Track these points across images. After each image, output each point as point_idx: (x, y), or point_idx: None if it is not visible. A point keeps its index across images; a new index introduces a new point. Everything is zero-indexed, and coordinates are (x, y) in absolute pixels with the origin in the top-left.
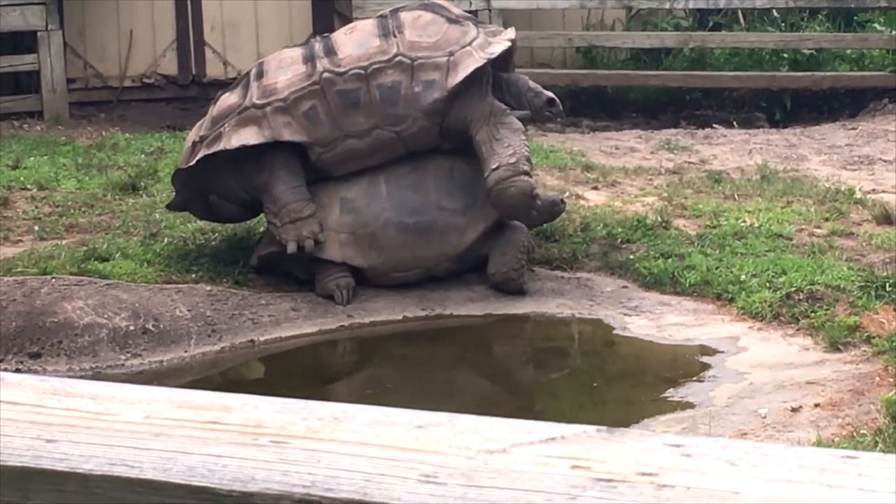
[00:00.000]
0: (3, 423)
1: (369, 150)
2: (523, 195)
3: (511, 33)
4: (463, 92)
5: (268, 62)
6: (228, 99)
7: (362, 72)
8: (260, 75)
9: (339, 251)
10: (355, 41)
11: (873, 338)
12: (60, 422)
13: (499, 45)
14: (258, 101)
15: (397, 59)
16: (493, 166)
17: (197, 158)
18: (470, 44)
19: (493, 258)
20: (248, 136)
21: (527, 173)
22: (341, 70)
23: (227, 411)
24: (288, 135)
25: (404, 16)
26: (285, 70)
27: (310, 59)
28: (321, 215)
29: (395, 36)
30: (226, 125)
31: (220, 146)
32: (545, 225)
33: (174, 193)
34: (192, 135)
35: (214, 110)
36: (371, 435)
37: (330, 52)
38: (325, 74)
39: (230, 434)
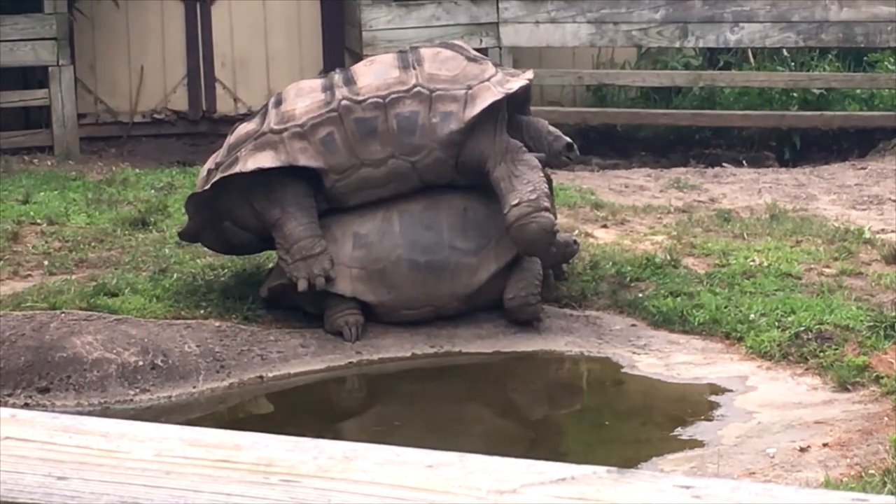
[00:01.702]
0: (15, 459)
1: (384, 180)
2: (544, 231)
3: (530, 74)
4: (479, 126)
5: (287, 91)
6: (246, 127)
7: (380, 101)
8: (278, 103)
9: (349, 286)
10: (374, 72)
11: (882, 378)
12: (71, 459)
13: (517, 82)
14: (275, 127)
15: (416, 89)
16: (514, 202)
17: (212, 182)
18: (488, 79)
19: (511, 285)
20: (264, 160)
21: (547, 209)
22: (360, 98)
23: (238, 450)
24: (304, 160)
25: (424, 51)
26: (304, 98)
27: (328, 88)
28: (333, 249)
29: (414, 68)
30: (242, 150)
31: (236, 169)
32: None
33: (187, 220)
34: (209, 163)
35: (231, 138)
36: (381, 474)
37: (349, 81)
38: (344, 102)
39: (241, 472)
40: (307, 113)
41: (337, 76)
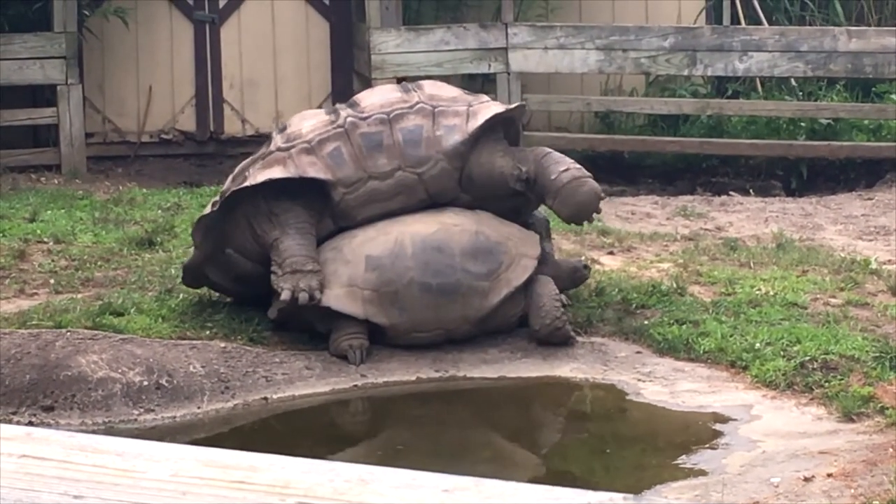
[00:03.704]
0: (32, 478)
1: (391, 192)
2: (594, 194)
3: (522, 102)
4: (483, 140)
5: (290, 119)
6: (248, 158)
7: (385, 116)
8: (283, 129)
9: (361, 308)
10: (377, 94)
11: (887, 409)
12: (87, 478)
13: (514, 104)
14: (282, 145)
15: (418, 105)
16: (562, 169)
17: (224, 197)
18: (486, 101)
19: (533, 315)
20: (274, 173)
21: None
22: (364, 115)
23: (255, 471)
24: (313, 172)
25: (422, 81)
26: (308, 120)
27: (332, 111)
28: (345, 271)
29: (415, 91)
30: (250, 169)
31: (246, 184)
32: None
33: (193, 250)
34: (212, 200)
35: (235, 171)
36: (397, 497)
37: (352, 104)
38: (349, 119)
39: (257, 494)
40: (313, 130)
41: (339, 105)
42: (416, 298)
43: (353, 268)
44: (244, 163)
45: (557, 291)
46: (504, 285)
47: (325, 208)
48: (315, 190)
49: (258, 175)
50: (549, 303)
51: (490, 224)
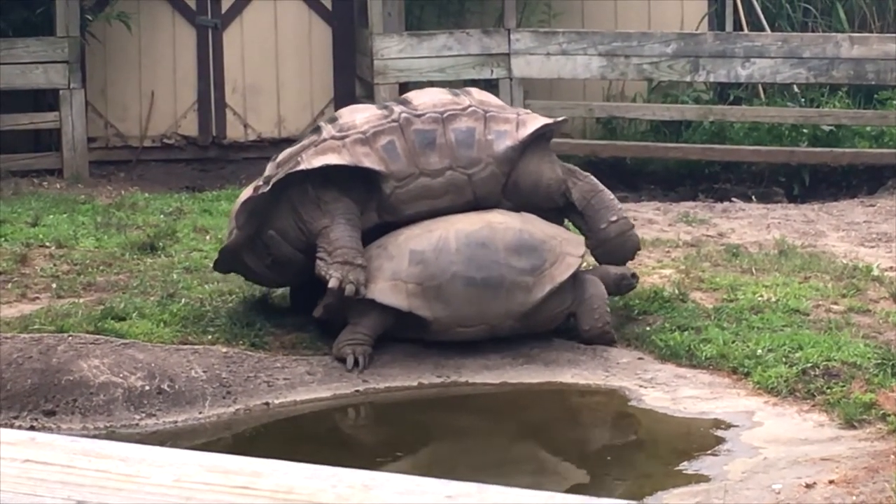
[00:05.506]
0: (35, 482)
1: (441, 191)
2: (636, 248)
3: (561, 117)
4: (531, 149)
5: (340, 111)
6: (293, 147)
7: (438, 115)
8: (333, 120)
9: (405, 301)
10: (427, 94)
11: (888, 415)
12: (91, 483)
13: (559, 118)
14: (337, 134)
15: (471, 108)
16: (612, 218)
17: (276, 180)
18: (530, 112)
19: (584, 315)
20: (329, 160)
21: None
22: (418, 112)
23: (258, 476)
24: (368, 162)
25: (468, 88)
26: (361, 112)
27: (385, 107)
28: (389, 266)
29: (464, 95)
30: (303, 154)
31: (301, 167)
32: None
33: (235, 231)
34: (254, 183)
35: (278, 158)
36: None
37: (404, 102)
38: (404, 115)
39: (261, 500)
40: (367, 122)
41: (389, 102)
42: (460, 292)
43: (398, 262)
44: (290, 150)
45: (606, 295)
46: (548, 281)
47: (370, 201)
48: (362, 181)
49: (313, 160)
50: (601, 306)
51: (535, 223)
